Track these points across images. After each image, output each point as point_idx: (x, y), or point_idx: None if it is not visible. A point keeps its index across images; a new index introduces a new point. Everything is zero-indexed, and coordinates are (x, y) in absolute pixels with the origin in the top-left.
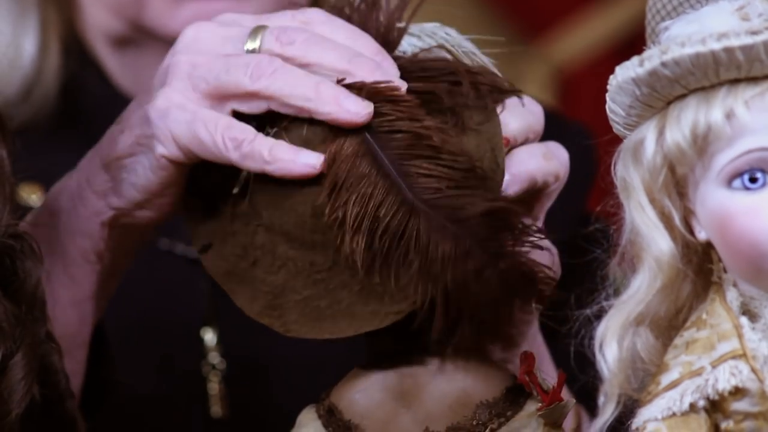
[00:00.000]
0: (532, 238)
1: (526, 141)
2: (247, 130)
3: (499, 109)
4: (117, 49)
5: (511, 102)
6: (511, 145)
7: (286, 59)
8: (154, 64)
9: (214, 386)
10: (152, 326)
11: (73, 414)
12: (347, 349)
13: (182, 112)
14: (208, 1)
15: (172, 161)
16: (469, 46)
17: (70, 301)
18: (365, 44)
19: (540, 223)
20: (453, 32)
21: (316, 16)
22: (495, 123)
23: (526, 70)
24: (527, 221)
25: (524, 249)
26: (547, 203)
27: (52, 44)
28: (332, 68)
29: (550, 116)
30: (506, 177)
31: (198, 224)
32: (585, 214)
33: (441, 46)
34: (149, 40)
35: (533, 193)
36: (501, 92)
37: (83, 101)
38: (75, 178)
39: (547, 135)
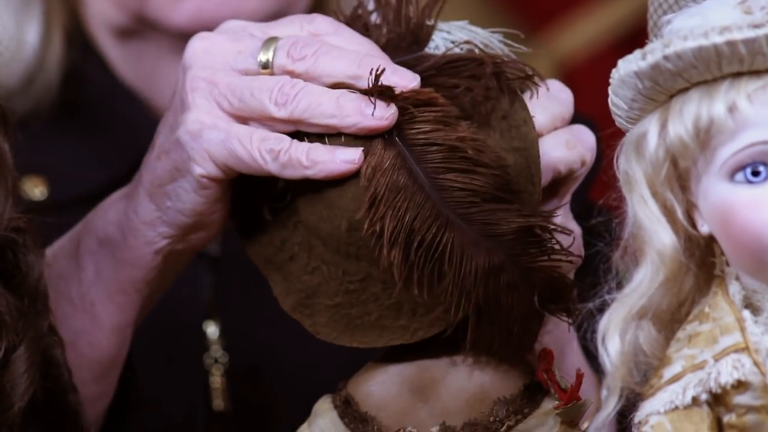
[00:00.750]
0: (561, 254)
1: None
2: (283, 140)
3: (527, 97)
4: (119, 40)
5: (540, 92)
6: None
7: (298, 75)
8: (156, 56)
9: (216, 380)
10: (154, 320)
11: (75, 407)
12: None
13: (215, 131)
14: None
15: (212, 180)
16: (496, 43)
17: (112, 328)
18: (373, 51)
19: (567, 205)
20: (479, 30)
21: (325, 25)
22: (530, 127)
23: (529, 64)
24: (560, 234)
25: (555, 264)
26: (574, 186)
27: (54, 35)
28: (343, 76)
29: None
30: None
31: (240, 213)
32: (588, 207)
33: (469, 42)
34: (152, 31)
35: (559, 180)
36: (529, 79)
37: (85, 92)
38: (123, 209)
39: None
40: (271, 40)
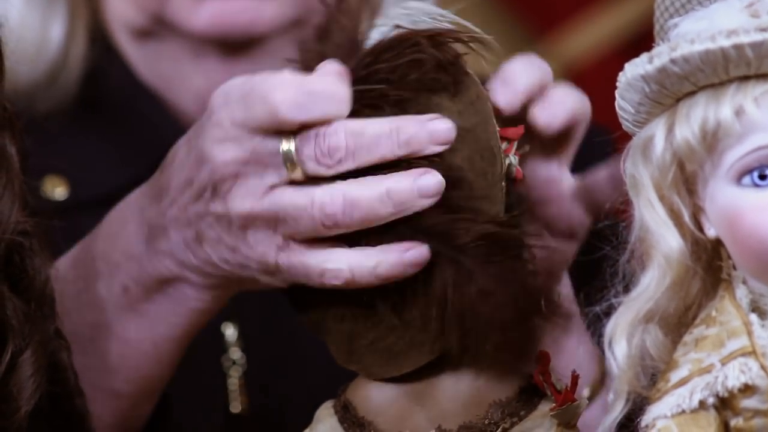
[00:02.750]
0: (533, 249)
1: (540, 93)
2: (343, 271)
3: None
4: (139, 40)
5: (520, 58)
6: (530, 96)
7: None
8: (174, 58)
9: (234, 381)
10: None
11: (81, 411)
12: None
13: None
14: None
15: None
16: (437, 11)
17: (166, 361)
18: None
19: (568, 165)
20: (417, 4)
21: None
22: (484, 101)
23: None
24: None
25: (531, 262)
26: (575, 145)
27: (78, 33)
28: (389, 159)
29: None
30: (547, 114)
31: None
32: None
33: (398, 26)
34: (171, 33)
35: (561, 137)
36: (474, 41)
37: (106, 90)
38: (179, 262)
39: None
40: (287, 150)
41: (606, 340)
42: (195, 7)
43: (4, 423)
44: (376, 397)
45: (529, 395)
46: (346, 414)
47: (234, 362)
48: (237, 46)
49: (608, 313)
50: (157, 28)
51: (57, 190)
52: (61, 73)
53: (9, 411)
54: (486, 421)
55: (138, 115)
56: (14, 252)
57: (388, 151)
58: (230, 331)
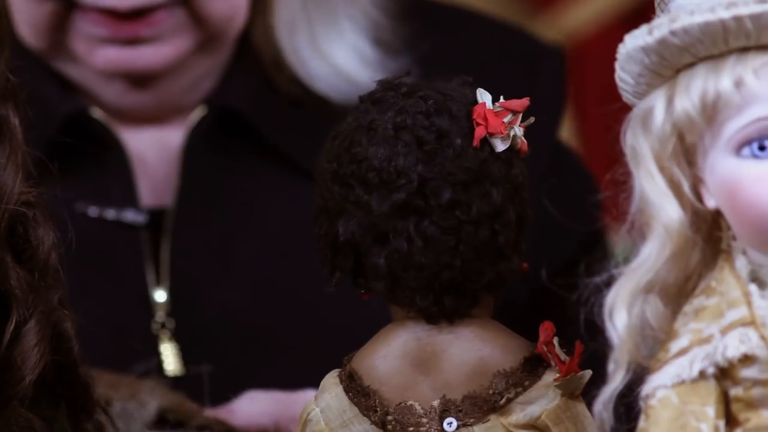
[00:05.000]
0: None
1: None
2: None
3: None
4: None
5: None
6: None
7: None
8: (84, 77)
9: (166, 345)
10: (99, 292)
11: (85, 380)
12: (300, 308)
13: None
14: (123, 49)
15: None
16: None
17: None
18: None
19: None
20: None
21: None
22: None
23: None
24: None
25: None
26: None
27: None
28: None
29: (520, 35)
30: None
31: None
32: (559, 147)
33: None
34: (75, 60)
35: None
36: None
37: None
38: None
39: (518, 55)
40: None
41: (606, 310)
42: (91, 50)
43: (9, 392)
44: (381, 366)
45: (534, 365)
46: (351, 383)
47: (163, 326)
48: (142, 78)
49: (609, 283)
50: (60, 54)
51: None
52: None
53: (13, 380)
54: (490, 391)
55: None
56: (18, 222)
57: None
58: (158, 295)
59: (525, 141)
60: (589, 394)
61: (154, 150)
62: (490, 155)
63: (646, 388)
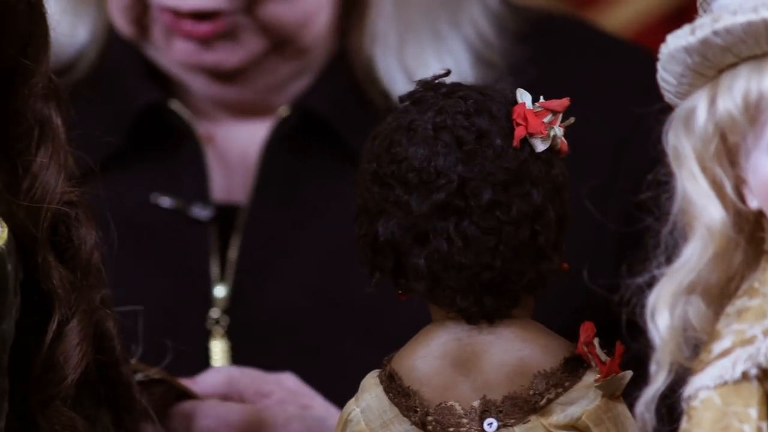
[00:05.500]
0: None
1: None
2: None
3: None
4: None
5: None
6: None
7: None
8: (171, 64)
9: (216, 343)
10: (161, 282)
11: (128, 379)
12: (354, 315)
13: None
14: (193, 45)
15: None
16: None
17: None
18: None
19: None
20: None
21: None
22: None
23: None
24: None
25: None
26: None
27: (101, 34)
28: None
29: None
30: None
31: None
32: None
33: None
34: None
35: None
36: None
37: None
38: None
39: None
40: None
41: (648, 311)
42: (168, 42)
43: (51, 391)
44: (421, 367)
45: (574, 366)
46: (392, 384)
47: (217, 322)
48: (222, 74)
49: (650, 284)
50: (149, 43)
51: None
52: (78, 61)
53: (56, 379)
54: (531, 392)
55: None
56: (60, 222)
57: None
58: (218, 291)
59: (565, 141)
60: (630, 395)
61: (233, 146)
62: (530, 155)
63: (688, 390)
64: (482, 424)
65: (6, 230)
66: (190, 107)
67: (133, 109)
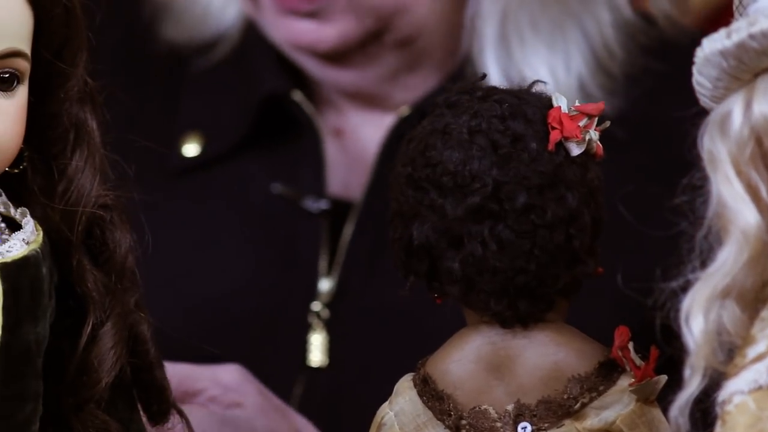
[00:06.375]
0: None
1: None
2: None
3: None
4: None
5: None
6: None
7: None
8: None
9: (315, 336)
10: (269, 271)
11: (162, 383)
12: (454, 317)
13: None
14: (291, 21)
15: None
16: None
17: None
18: None
19: None
20: None
21: None
22: None
23: None
24: None
25: None
26: None
27: (245, 17)
28: None
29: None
30: None
31: None
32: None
33: None
34: None
35: None
36: None
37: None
38: None
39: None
40: None
41: (683, 315)
42: (275, 20)
43: (86, 394)
44: (455, 370)
45: (608, 370)
46: (426, 387)
47: (318, 316)
48: (326, 56)
49: (685, 288)
50: (264, 22)
51: (189, 146)
52: (221, 41)
53: (90, 382)
54: (565, 396)
55: (256, 68)
56: (95, 225)
57: None
58: (324, 285)
59: (600, 145)
60: (665, 399)
61: (357, 141)
62: (565, 159)
63: (722, 394)
64: (516, 428)
65: (41, 233)
66: (320, 97)
67: (257, 98)
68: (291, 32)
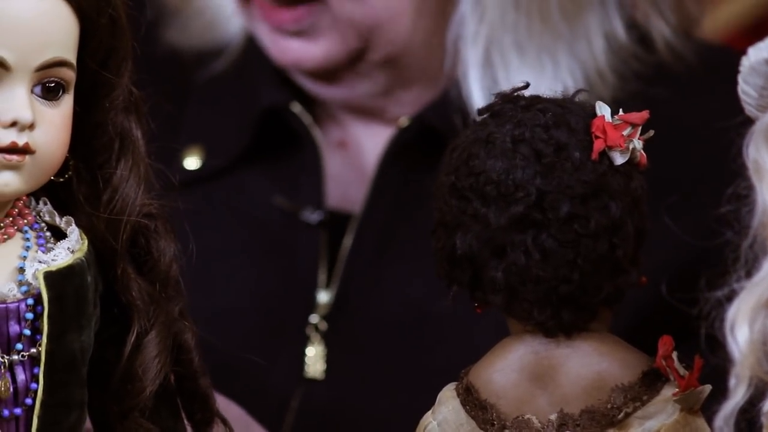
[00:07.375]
0: None
1: None
2: None
3: None
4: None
5: None
6: None
7: None
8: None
9: (313, 348)
10: (268, 282)
11: (206, 391)
12: (451, 330)
13: None
14: (278, 38)
15: None
16: None
17: None
18: None
19: None
20: None
21: None
22: None
23: None
24: None
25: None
26: None
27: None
28: None
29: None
30: None
31: None
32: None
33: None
34: None
35: None
36: None
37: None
38: None
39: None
40: None
41: (728, 325)
42: (266, 37)
43: (130, 402)
44: (498, 380)
45: (652, 380)
46: (469, 397)
47: (316, 328)
48: (311, 73)
49: (730, 298)
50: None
51: (190, 159)
52: (224, 51)
53: (134, 391)
54: (608, 406)
55: (256, 82)
56: (140, 234)
57: None
58: (322, 297)
59: (644, 154)
60: (709, 409)
61: (357, 154)
62: (608, 168)
63: (767, 404)
64: None
65: (86, 242)
66: (321, 110)
67: (257, 111)
68: (279, 50)
